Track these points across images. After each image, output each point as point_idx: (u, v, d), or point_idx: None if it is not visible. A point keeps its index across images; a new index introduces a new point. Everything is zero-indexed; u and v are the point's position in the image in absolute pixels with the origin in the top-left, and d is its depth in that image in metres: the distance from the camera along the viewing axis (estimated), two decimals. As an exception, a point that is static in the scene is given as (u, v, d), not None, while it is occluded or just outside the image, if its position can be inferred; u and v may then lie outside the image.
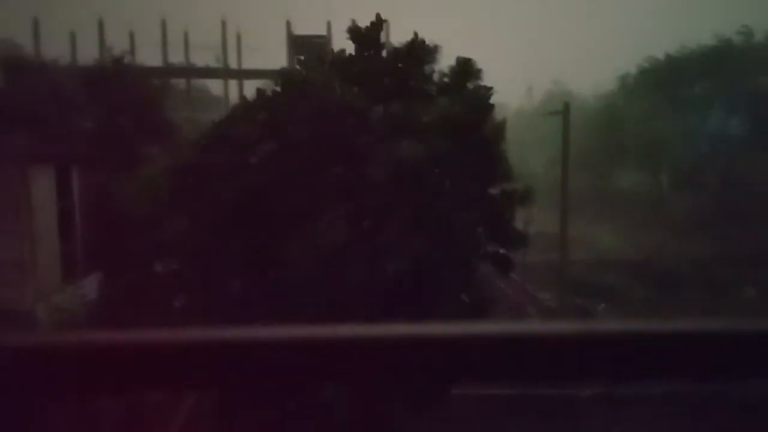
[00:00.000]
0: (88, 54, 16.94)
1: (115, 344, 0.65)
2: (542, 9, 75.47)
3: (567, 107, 22.44)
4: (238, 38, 21.35)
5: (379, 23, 11.71)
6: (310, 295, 10.13)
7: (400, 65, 11.72)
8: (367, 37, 11.70)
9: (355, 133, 10.93)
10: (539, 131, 32.86)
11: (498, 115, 12.04)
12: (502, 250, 11.97)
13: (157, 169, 11.36)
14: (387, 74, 11.67)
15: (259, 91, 11.96)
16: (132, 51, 19.81)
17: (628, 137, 32.44)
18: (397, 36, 12.51)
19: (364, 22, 12.13)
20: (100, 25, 20.02)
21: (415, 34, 11.79)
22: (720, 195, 30.43)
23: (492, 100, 11.76)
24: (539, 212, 27.50)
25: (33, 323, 11.80)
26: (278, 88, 11.75)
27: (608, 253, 28.06)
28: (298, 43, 23.03)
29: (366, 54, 11.76)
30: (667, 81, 34.65)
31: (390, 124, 10.93)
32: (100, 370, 0.65)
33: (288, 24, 17.28)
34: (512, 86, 50.20)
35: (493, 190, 11.90)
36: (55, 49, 17.04)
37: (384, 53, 11.94)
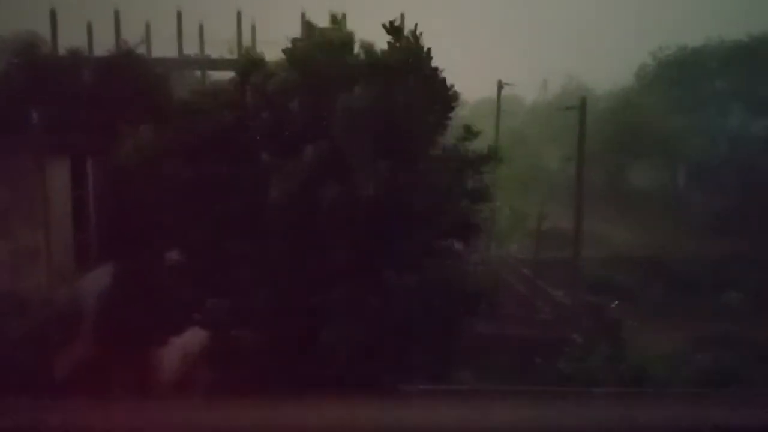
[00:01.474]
0: (104, 45, 16.97)
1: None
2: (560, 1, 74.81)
3: (584, 102, 22.12)
4: (253, 30, 21.31)
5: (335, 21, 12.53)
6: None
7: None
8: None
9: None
10: (554, 126, 32.50)
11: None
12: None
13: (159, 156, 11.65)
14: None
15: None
16: (147, 42, 19.84)
17: (645, 132, 32.01)
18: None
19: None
20: (116, 17, 20.05)
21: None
22: (738, 193, 29.98)
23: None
24: (553, 208, 27.30)
25: (47, 312, 11.91)
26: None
27: (622, 249, 27.80)
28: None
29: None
30: (686, 76, 34.10)
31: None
32: None
33: (303, 16, 17.23)
34: (527, 79, 49.75)
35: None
36: (71, 41, 17.07)
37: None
